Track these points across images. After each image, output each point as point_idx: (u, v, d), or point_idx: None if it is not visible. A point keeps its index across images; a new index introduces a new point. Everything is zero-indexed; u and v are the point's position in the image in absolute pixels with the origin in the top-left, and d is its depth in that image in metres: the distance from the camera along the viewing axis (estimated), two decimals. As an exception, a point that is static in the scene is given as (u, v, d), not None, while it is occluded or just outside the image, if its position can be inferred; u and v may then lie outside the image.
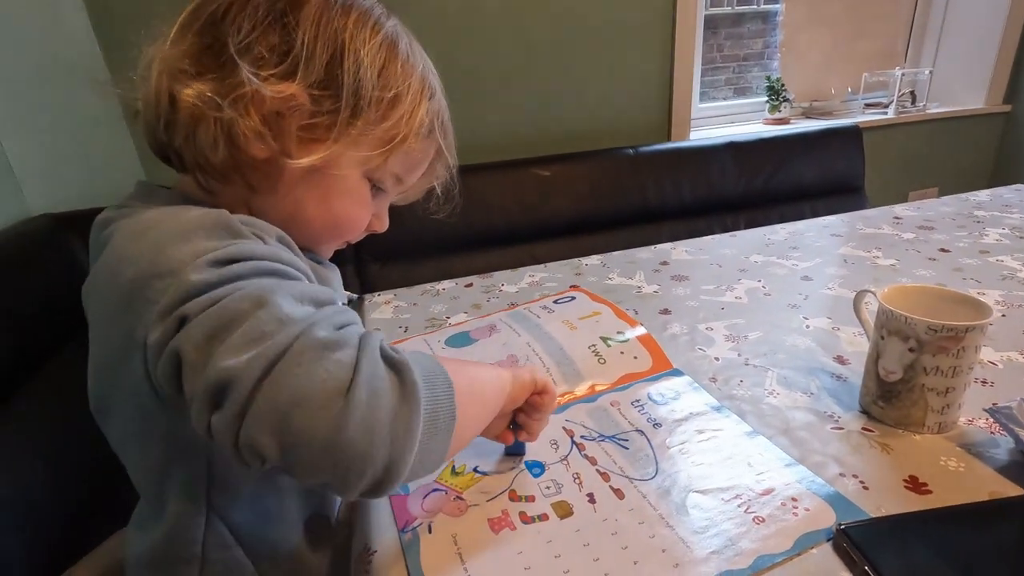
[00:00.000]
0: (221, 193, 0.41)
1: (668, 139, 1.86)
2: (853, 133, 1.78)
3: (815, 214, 1.27)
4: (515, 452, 0.50)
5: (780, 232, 1.05)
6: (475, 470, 0.48)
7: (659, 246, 1.04)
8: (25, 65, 1.07)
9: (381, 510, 0.45)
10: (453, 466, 0.49)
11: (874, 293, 0.52)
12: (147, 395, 0.35)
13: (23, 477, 0.70)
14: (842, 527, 0.38)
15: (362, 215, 0.45)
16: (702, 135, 1.93)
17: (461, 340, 0.68)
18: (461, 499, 0.45)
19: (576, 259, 1.00)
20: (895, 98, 2.18)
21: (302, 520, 0.46)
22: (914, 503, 0.41)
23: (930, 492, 0.42)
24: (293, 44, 0.37)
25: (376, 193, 0.45)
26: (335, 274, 0.51)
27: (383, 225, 0.49)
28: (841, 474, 0.45)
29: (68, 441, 0.80)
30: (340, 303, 0.35)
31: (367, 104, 0.39)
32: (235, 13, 0.38)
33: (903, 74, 2.18)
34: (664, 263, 0.95)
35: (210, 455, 0.39)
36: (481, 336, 0.68)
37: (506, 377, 0.44)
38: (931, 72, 2.26)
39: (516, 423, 0.48)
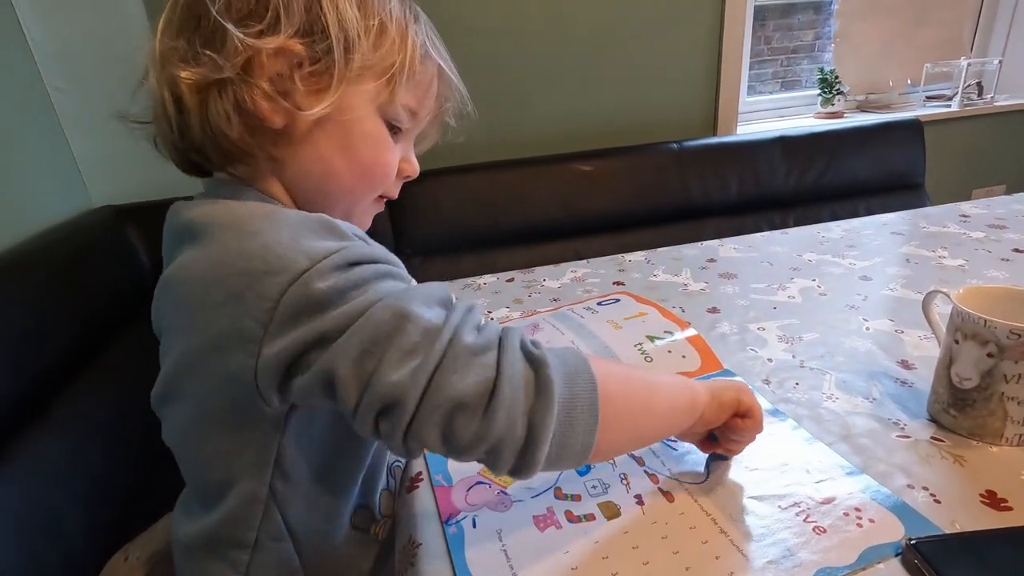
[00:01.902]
0: (254, 177, 0.42)
1: (714, 134, 1.81)
2: (913, 127, 1.69)
3: (870, 212, 1.22)
4: (718, 459, 0.46)
5: (835, 230, 1.00)
6: None
7: (706, 243, 1.01)
8: (90, 65, 1.12)
9: (426, 502, 0.45)
10: None
11: (946, 294, 0.49)
12: (241, 385, 0.35)
13: (85, 455, 0.73)
14: (913, 542, 0.36)
15: (389, 158, 0.44)
16: (749, 130, 1.87)
17: None
18: (505, 494, 0.45)
19: (619, 255, 0.98)
20: (960, 90, 2.05)
21: (349, 513, 0.46)
22: (992, 520, 0.38)
23: (1010, 509, 0.39)
24: None
25: (396, 134, 0.45)
26: None
27: (414, 168, 0.48)
28: (909, 485, 0.42)
29: (125, 423, 0.83)
30: (451, 296, 0.37)
31: (356, 36, 0.39)
32: None
33: (969, 64, 2.06)
34: (711, 260, 0.92)
35: (279, 444, 0.40)
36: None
37: (700, 392, 0.42)
38: (1000, 62, 2.12)
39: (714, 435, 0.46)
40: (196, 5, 0.37)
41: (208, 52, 0.36)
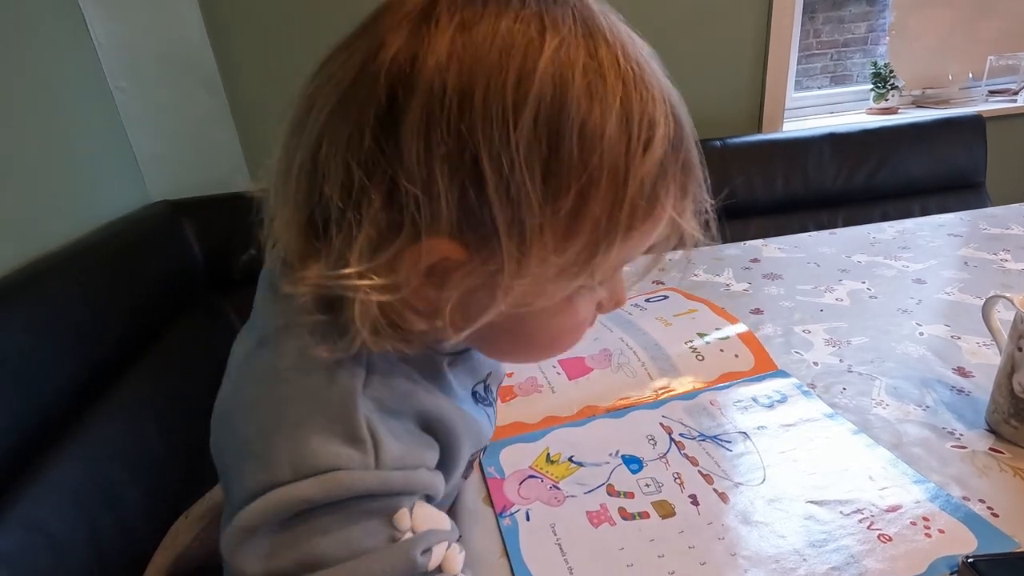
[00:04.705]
0: None
1: (759, 131, 1.76)
2: (974, 123, 1.60)
3: (925, 212, 1.17)
4: None
5: (888, 230, 0.97)
6: (570, 459, 0.48)
7: (749, 242, 0.98)
8: (150, 67, 1.17)
9: (465, 497, 0.46)
10: (548, 454, 0.49)
11: (1009, 299, 0.47)
12: None
13: (143, 435, 0.77)
14: (969, 560, 0.34)
15: (579, 326, 0.33)
16: (796, 126, 1.81)
17: None
18: (557, 489, 0.45)
19: (659, 254, 0.97)
20: (1027, 84, 1.94)
21: None
22: (1056, 537, 0.37)
23: (1076, 526, 0.37)
24: (397, 187, 0.24)
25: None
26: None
27: (618, 302, 0.35)
28: (965, 497, 0.40)
29: (180, 405, 0.87)
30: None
31: (536, 231, 0.25)
32: (325, 170, 0.26)
33: (1038, 57, 1.94)
34: (755, 260, 0.90)
35: None
36: None
37: None
38: (1073, 54, 1.99)
39: None
40: (311, 198, 0.29)
41: (322, 277, 0.27)
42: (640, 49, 0.28)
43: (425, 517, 0.28)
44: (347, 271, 0.25)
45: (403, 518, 0.27)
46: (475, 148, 0.23)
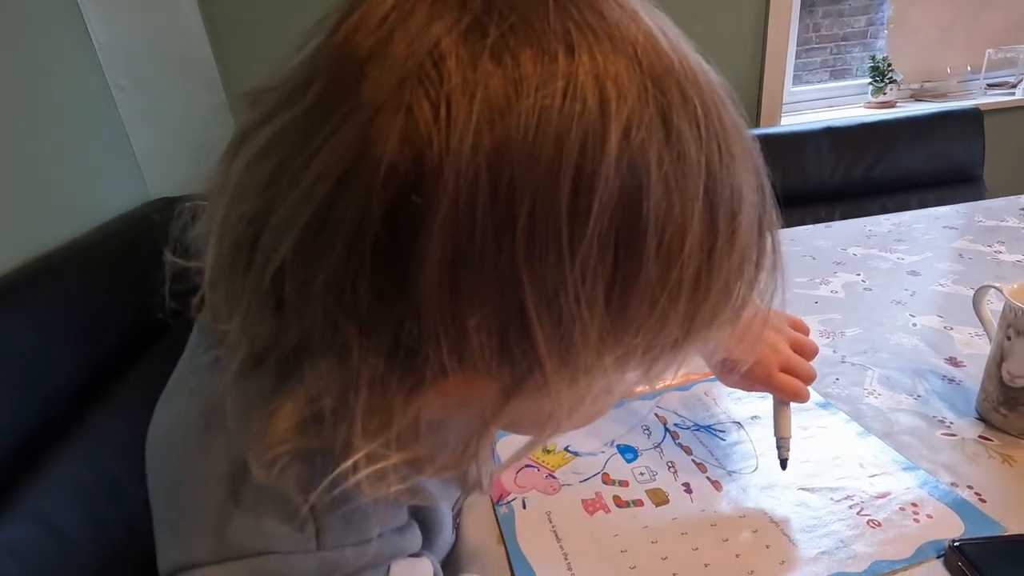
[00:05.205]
0: None
1: (757, 124, 1.76)
2: (972, 116, 1.60)
3: (923, 206, 1.17)
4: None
5: (883, 223, 0.97)
6: (566, 449, 0.48)
7: (746, 236, 0.98)
8: (149, 65, 1.17)
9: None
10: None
11: (999, 289, 0.47)
12: None
13: (143, 433, 0.78)
14: (956, 544, 0.35)
15: (611, 404, 0.28)
16: (795, 120, 1.81)
17: None
18: (553, 478, 0.46)
19: (656, 248, 0.97)
20: (1025, 76, 1.94)
21: None
22: (1042, 522, 0.37)
23: (1062, 511, 0.38)
24: (411, 341, 0.18)
25: None
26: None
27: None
28: (954, 484, 0.41)
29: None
30: None
31: (595, 369, 0.20)
32: (298, 319, 0.19)
33: (1036, 49, 1.94)
34: (751, 254, 0.90)
35: None
36: None
37: None
38: (1072, 46, 1.99)
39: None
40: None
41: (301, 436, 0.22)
42: (708, 75, 0.20)
43: None
44: (353, 459, 0.19)
45: None
46: (519, 290, 0.17)
